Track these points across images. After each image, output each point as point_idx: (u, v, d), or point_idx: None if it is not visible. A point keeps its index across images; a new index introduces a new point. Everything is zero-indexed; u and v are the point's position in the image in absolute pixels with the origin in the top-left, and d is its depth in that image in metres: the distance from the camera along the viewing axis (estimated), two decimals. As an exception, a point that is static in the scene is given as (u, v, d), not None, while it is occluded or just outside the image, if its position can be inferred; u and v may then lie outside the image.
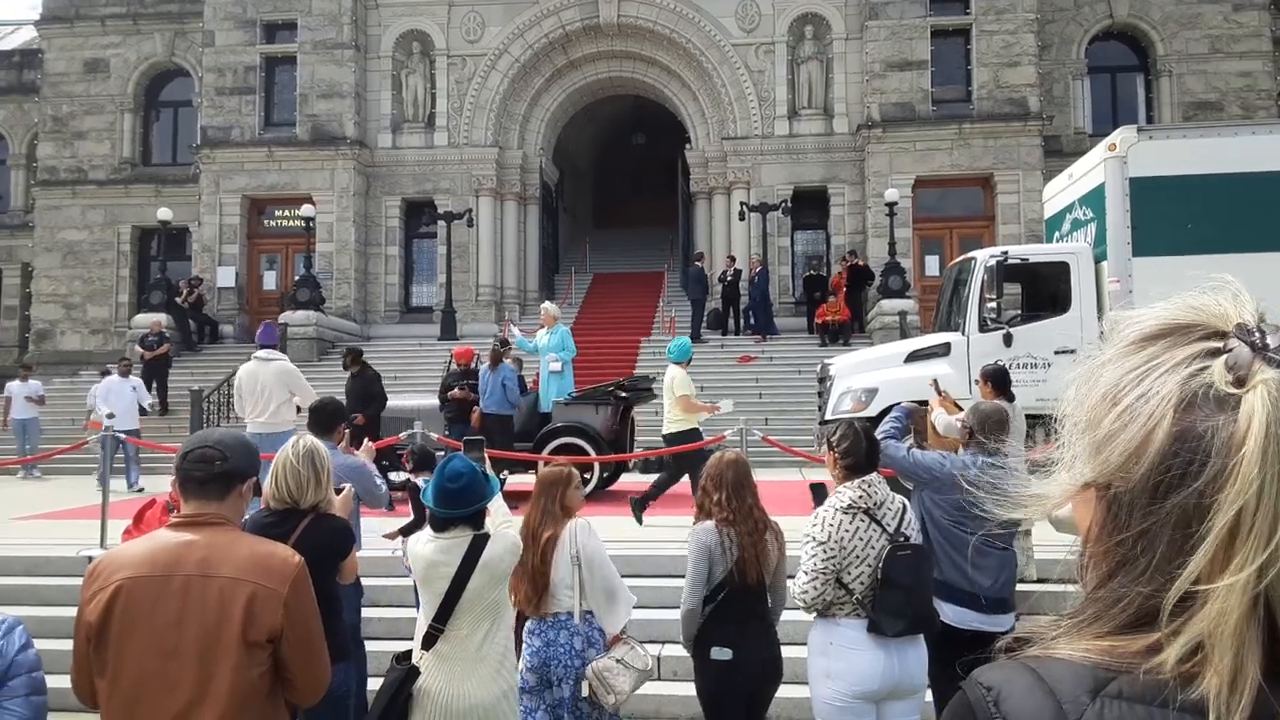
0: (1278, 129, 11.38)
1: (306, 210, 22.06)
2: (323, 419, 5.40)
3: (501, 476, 10.77)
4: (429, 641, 3.51)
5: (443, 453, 6.89)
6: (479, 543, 3.55)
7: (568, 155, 28.45)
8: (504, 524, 3.97)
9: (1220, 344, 0.78)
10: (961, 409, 6.50)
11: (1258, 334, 0.78)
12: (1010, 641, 0.86)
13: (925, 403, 6.97)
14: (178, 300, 22.02)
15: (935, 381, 7.63)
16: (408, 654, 3.67)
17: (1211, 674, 0.74)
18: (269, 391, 8.97)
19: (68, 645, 2.57)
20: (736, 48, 23.41)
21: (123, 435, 11.22)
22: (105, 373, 16.02)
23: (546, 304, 13.18)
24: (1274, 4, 23.27)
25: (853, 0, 23.05)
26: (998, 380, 7.11)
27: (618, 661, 4.16)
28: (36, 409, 16.25)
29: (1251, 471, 0.73)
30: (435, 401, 11.73)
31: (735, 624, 4.09)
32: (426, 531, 3.70)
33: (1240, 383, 0.76)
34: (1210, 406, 0.76)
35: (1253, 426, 0.73)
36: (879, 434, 4.50)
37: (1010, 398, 7.12)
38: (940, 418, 6.65)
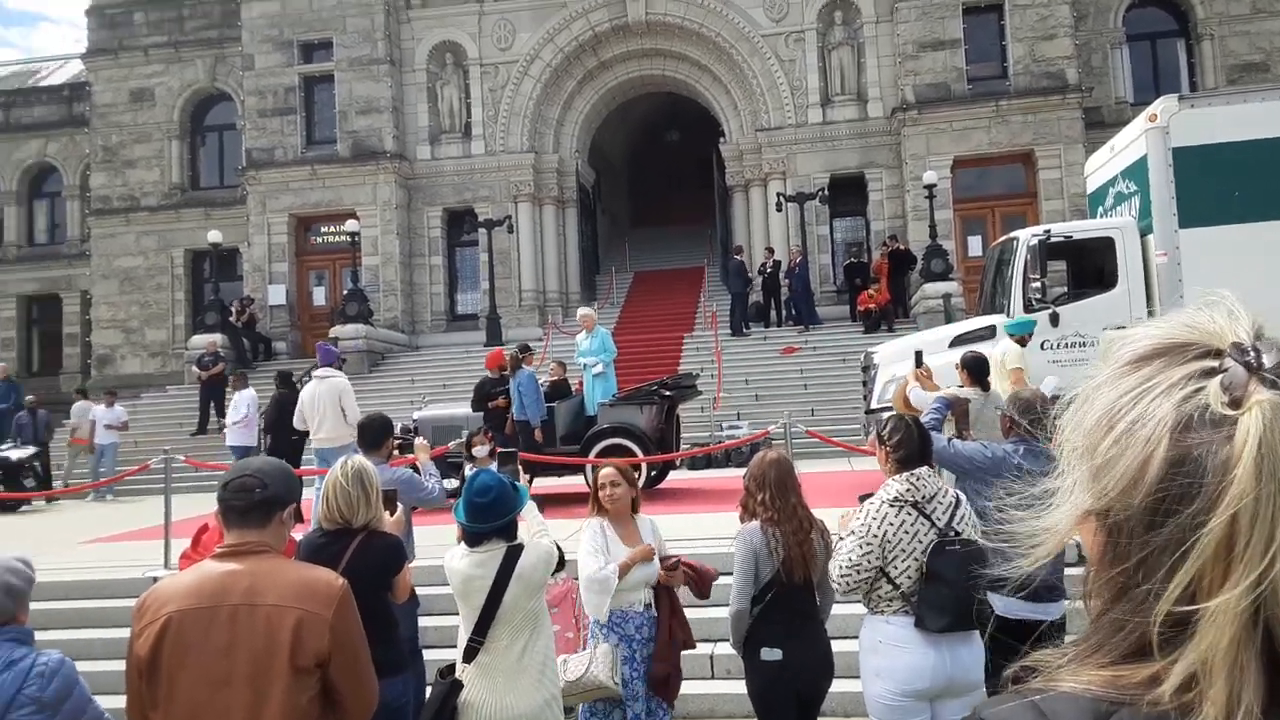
0: (1325, 88, 11.05)
1: (351, 225, 22.46)
2: (369, 436, 5.52)
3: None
4: (470, 654, 3.57)
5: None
6: (513, 554, 3.61)
7: (603, 156, 28.56)
8: (539, 532, 4.03)
9: (1216, 363, 0.77)
10: (939, 386, 6.43)
11: (1253, 353, 0.76)
12: (1018, 670, 0.84)
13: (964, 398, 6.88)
14: (231, 320, 22.56)
15: (919, 353, 7.56)
16: (452, 667, 3.72)
17: (1208, 704, 0.71)
18: (324, 408, 9.26)
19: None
20: (766, 38, 23.31)
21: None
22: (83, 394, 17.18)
23: (583, 309, 13.26)
24: (1320, -43, 22.56)
25: (882, -18, 22.83)
26: (975, 369, 7.06)
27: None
28: (118, 435, 16.81)
29: (1244, 489, 0.71)
30: (478, 411, 11.82)
31: (784, 624, 4.08)
32: (461, 546, 3.76)
33: (1236, 404, 0.74)
34: (1206, 429, 0.74)
35: (1247, 447, 0.72)
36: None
37: (985, 387, 7.07)
38: (915, 392, 6.47)
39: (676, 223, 30.01)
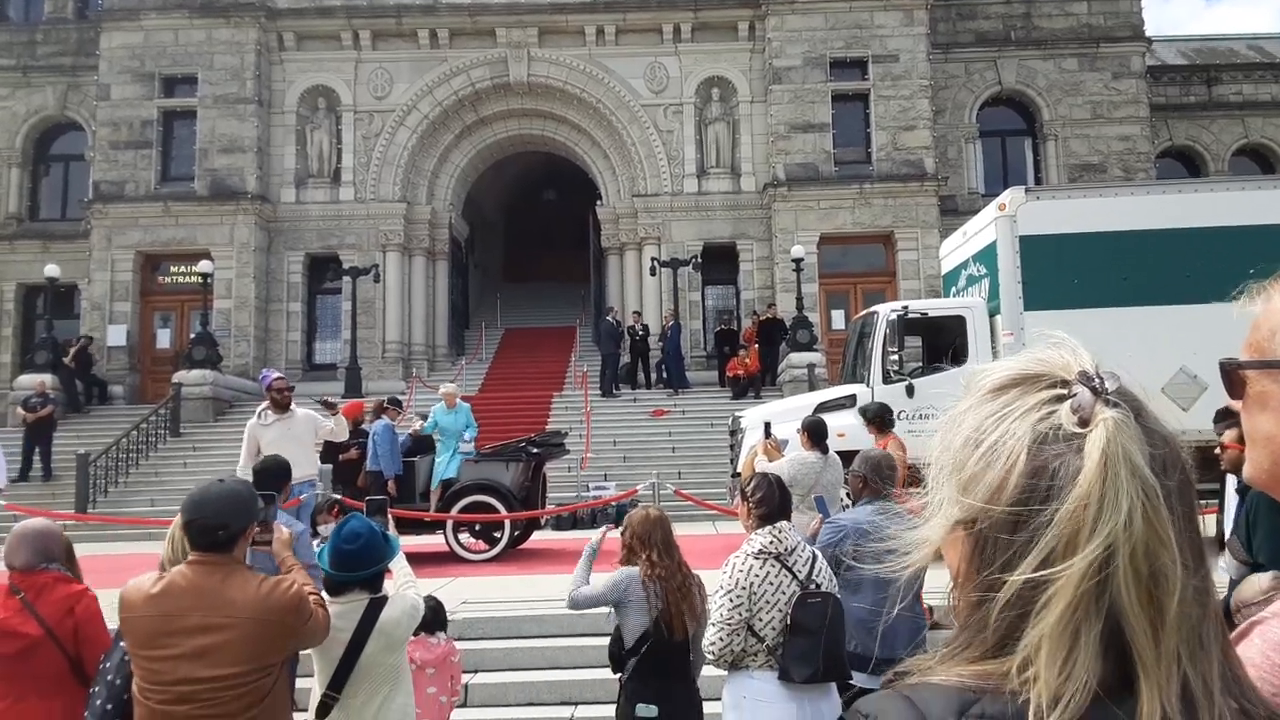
0: (1155, 189, 12.05)
1: (204, 266, 21.40)
2: (264, 481, 5.21)
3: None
4: (323, 711, 3.37)
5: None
6: (376, 606, 3.44)
7: (478, 210, 28.41)
8: (406, 584, 3.83)
9: (1064, 390, 0.87)
10: (784, 455, 6.92)
11: (1098, 380, 0.87)
12: (893, 674, 0.91)
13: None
14: (64, 360, 20.99)
15: (768, 425, 7.95)
16: None
17: (1040, 682, 0.79)
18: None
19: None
20: (646, 108, 23.88)
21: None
22: None
23: (446, 385, 12.79)
24: (1150, 72, 24.94)
25: (757, 65, 23.81)
26: (814, 433, 7.35)
27: None
28: None
29: (1089, 489, 0.81)
30: (327, 464, 11.19)
31: (660, 680, 4.10)
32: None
33: (1084, 423, 0.84)
34: (1059, 445, 0.84)
35: (1093, 456, 0.82)
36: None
37: (825, 450, 7.36)
38: (761, 462, 6.94)
39: (551, 280, 30.04)
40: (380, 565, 3.54)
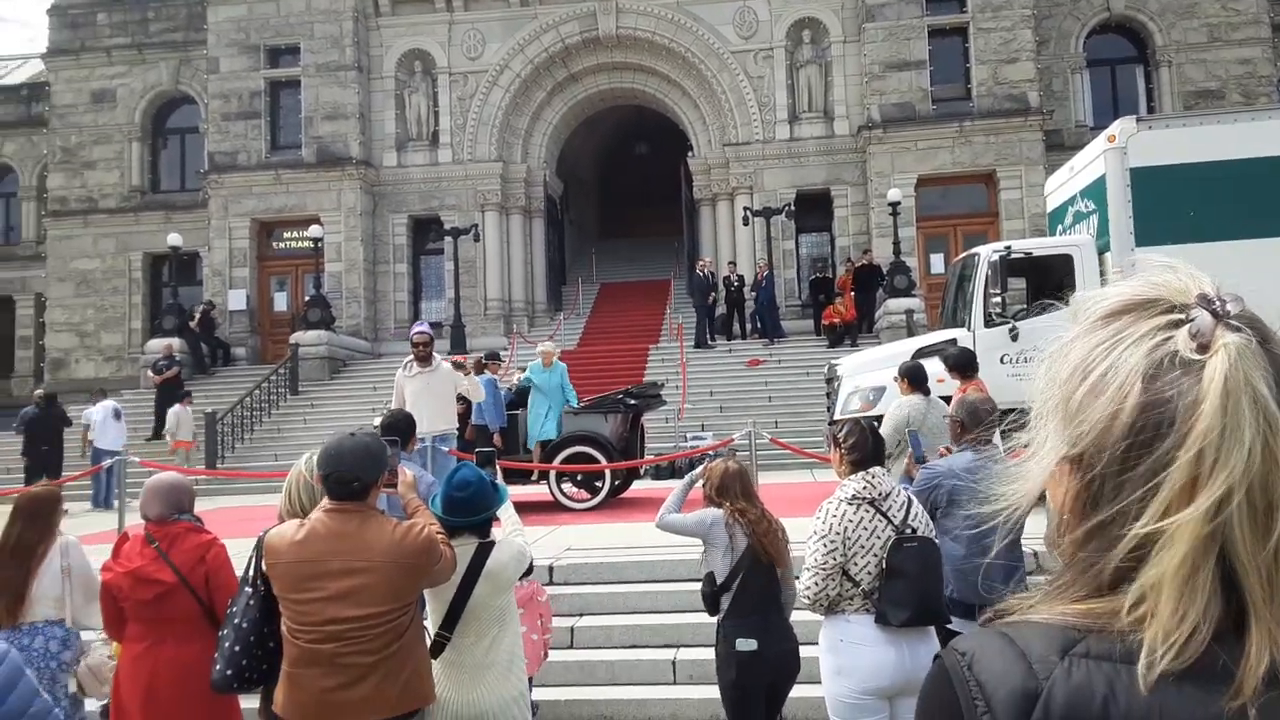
0: (1277, 114, 11.36)
1: (314, 231, 22.24)
2: (390, 433, 5.50)
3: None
4: (436, 649, 3.55)
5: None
6: (484, 551, 3.61)
7: (571, 167, 28.59)
8: (514, 531, 4.04)
9: (1181, 315, 0.81)
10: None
11: (1218, 303, 0.81)
12: (993, 613, 0.88)
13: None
14: (190, 325, 22.20)
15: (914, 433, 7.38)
16: None
17: (1156, 621, 0.76)
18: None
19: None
20: (735, 55, 23.51)
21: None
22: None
23: (545, 344, 12.84)
24: (1271, -11, 23.26)
25: (849, 3, 23.12)
26: (914, 376, 7.19)
27: (109, 658, 4.38)
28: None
29: (1210, 424, 0.76)
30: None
31: (757, 614, 4.19)
32: None
33: (1204, 349, 0.79)
34: (1175, 373, 0.79)
35: (1214, 384, 0.76)
36: None
37: (926, 392, 7.19)
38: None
39: (644, 235, 30.09)
40: (489, 512, 3.71)
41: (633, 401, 11.65)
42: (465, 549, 3.60)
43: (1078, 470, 0.83)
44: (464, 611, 3.54)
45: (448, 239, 23.33)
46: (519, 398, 11.97)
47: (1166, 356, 0.80)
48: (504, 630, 3.65)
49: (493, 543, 3.68)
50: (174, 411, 16.68)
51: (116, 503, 13.01)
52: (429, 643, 3.62)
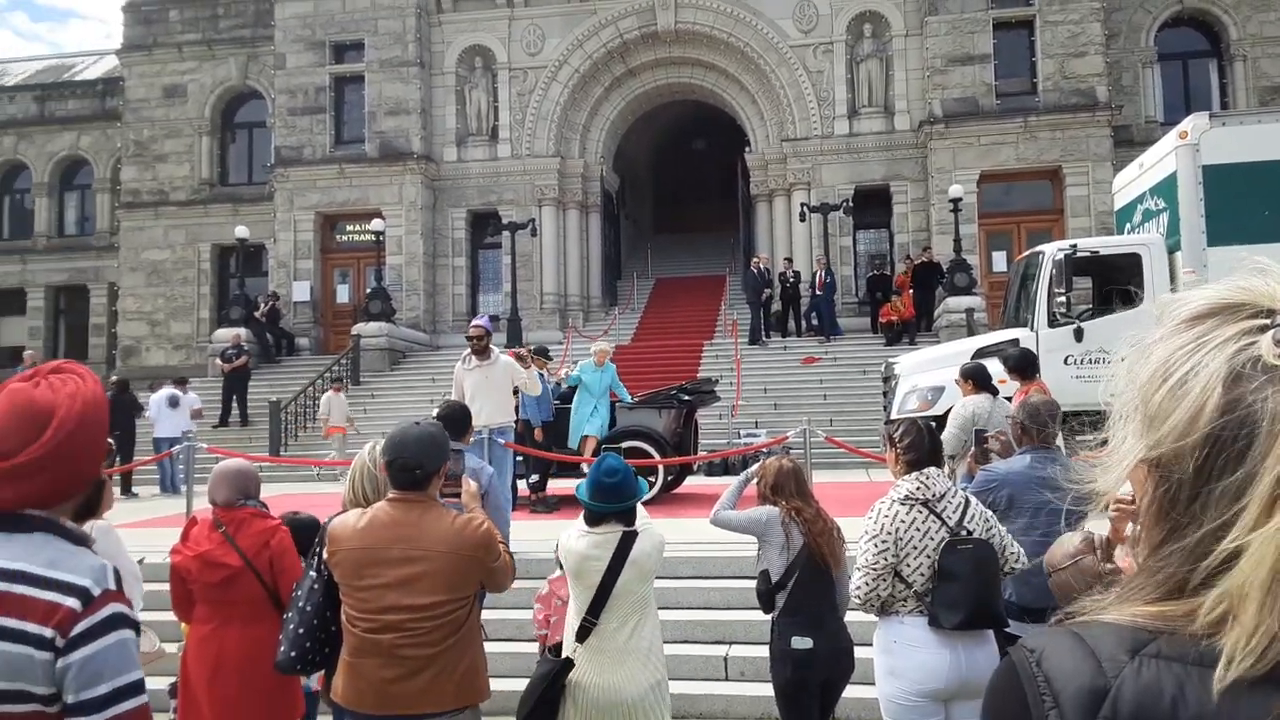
0: (1360, 110, 10.95)
1: (376, 225, 22.62)
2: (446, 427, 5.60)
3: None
4: (583, 634, 3.65)
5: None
6: (629, 539, 3.69)
7: (628, 162, 28.65)
8: (644, 523, 4.12)
9: (1269, 320, 0.80)
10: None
11: None
12: (1064, 613, 0.88)
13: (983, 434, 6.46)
14: (256, 315, 22.76)
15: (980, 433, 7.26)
16: (559, 647, 3.84)
17: (1237, 627, 0.76)
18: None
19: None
20: (794, 49, 23.33)
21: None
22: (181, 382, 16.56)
23: (600, 343, 12.73)
24: (1355, -19, 22.35)
25: (912, -4, 22.81)
26: (978, 377, 7.05)
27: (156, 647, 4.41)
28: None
29: None
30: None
31: (813, 614, 4.21)
32: (579, 526, 3.84)
33: None
34: (1258, 379, 0.77)
35: None
36: None
37: (994, 392, 7.05)
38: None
39: (699, 230, 30.04)
40: (634, 499, 3.80)
41: (687, 397, 11.66)
42: (611, 536, 3.69)
43: (1155, 473, 0.82)
44: (609, 597, 3.62)
45: (505, 233, 23.56)
46: (567, 394, 12.03)
47: (1249, 362, 0.78)
48: (645, 618, 3.73)
49: (637, 531, 3.76)
50: (326, 398, 16.86)
51: (184, 487, 13.38)
52: (576, 627, 3.72)
